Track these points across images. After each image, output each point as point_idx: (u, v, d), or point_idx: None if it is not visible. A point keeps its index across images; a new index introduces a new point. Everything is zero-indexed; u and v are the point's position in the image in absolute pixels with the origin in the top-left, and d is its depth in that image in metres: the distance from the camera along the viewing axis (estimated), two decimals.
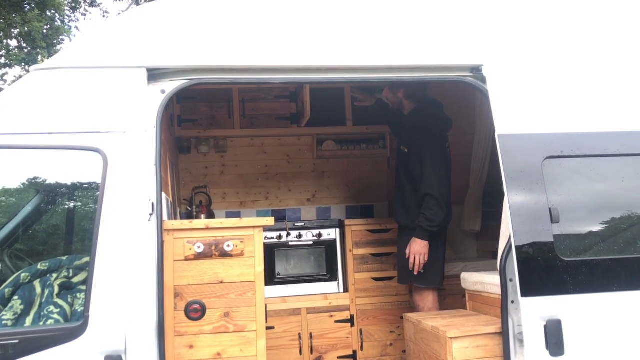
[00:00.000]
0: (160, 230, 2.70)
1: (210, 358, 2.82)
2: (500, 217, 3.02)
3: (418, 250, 3.95)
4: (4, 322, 2.71)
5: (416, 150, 4.06)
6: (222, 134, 5.39)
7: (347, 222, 4.94)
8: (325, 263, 4.93)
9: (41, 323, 2.70)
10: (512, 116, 3.00)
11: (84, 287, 2.77)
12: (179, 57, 2.90)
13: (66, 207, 3.47)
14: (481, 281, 3.50)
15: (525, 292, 2.80)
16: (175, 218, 4.21)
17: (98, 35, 2.96)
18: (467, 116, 5.07)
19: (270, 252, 4.80)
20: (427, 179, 3.94)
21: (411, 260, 3.98)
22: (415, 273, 3.99)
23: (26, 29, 15.42)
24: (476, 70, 3.11)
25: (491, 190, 4.97)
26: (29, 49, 16.49)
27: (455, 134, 4.31)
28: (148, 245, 2.66)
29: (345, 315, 4.79)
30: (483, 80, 3.08)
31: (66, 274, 2.91)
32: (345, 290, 4.86)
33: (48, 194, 3.40)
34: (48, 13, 16.68)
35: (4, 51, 16.76)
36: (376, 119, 5.33)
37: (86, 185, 3.05)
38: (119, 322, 2.58)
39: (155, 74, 2.88)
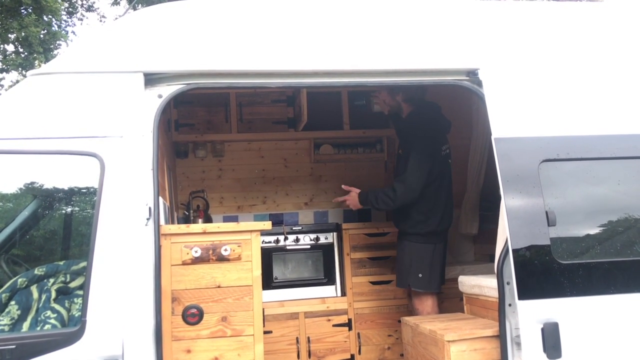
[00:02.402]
0: (158, 234, 2.70)
1: None
2: (497, 221, 3.03)
3: (351, 202, 4.26)
4: (0, 328, 2.70)
5: (407, 152, 4.08)
6: (219, 138, 5.39)
7: (344, 225, 4.94)
8: (323, 267, 4.93)
9: (38, 328, 2.69)
10: (509, 119, 3.01)
11: (81, 292, 2.76)
12: (175, 61, 2.91)
13: (63, 212, 3.47)
14: (478, 284, 3.50)
15: (523, 295, 2.80)
16: (173, 222, 4.21)
17: (95, 40, 2.97)
18: (463, 120, 5.08)
19: (268, 256, 4.80)
20: (406, 174, 3.98)
21: (341, 199, 4.33)
22: (421, 277, 4.03)
23: (23, 33, 15.42)
24: (472, 74, 3.12)
25: (488, 194, 4.98)
26: (25, 53, 16.49)
27: (451, 137, 4.33)
28: (145, 250, 2.66)
29: (343, 319, 4.78)
30: (479, 84, 3.09)
31: (63, 278, 2.91)
32: (343, 294, 4.86)
33: (45, 199, 3.39)
34: (45, 18, 16.68)
35: (0, 56, 16.76)
36: (373, 123, 5.35)
37: (83, 190, 3.05)
38: (116, 327, 2.58)
39: (152, 79, 2.88)
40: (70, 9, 18.69)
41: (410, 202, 4.02)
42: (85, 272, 2.63)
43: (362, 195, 4.24)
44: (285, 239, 4.92)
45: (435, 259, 4.08)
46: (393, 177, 4.50)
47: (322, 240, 4.96)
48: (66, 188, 3.17)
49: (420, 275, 4.04)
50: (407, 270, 4.10)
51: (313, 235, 4.95)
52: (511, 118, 3.01)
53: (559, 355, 2.77)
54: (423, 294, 4.08)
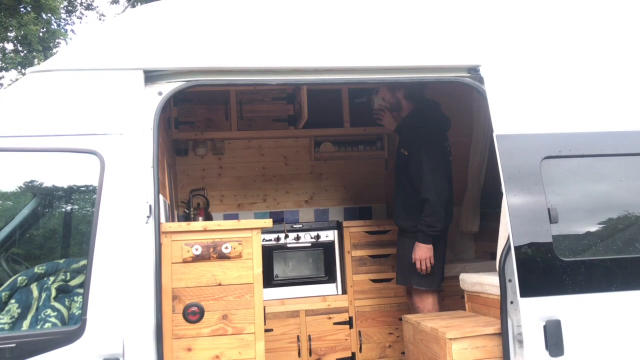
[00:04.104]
0: (158, 232, 2.69)
1: None
2: (498, 218, 3.02)
3: (423, 255, 3.97)
4: (0, 326, 2.69)
5: (415, 153, 4.05)
6: (219, 136, 5.38)
7: (345, 223, 4.93)
8: (324, 265, 4.92)
9: (38, 327, 2.68)
10: (510, 116, 3.00)
11: (81, 290, 2.75)
12: (175, 58, 2.89)
13: (63, 210, 3.45)
14: (480, 282, 3.49)
15: (524, 293, 2.79)
16: (173, 220, 4.20)
17: (94, 38, 2.95)
18: (464, 118, 5.07)
19: (269, 254, 4.80)
20: (426, 184, 3.93)
21: (417, 266, 3.99)
22: (424, 274, 4.00)
23: (22, 32, 15.41)
24: (474, 70, 3.10)
25: (489, 191, 4.97)
26: (25, 52, 16.49)
27: (452, 135, 4.31)
28: (146, 248, 2.65)
29: (344, 317, 4.78)
30: (481, 80, 3.07)
31: (63, 277, 2.90)
32: (344, 292, 4.86)
33: (45, 197, 3.38)
34: (44, 16, 16.67)
35: None
36: (374, 120, 5.33)
37: (83, 188, 3.03)
38: (116, 325, 2.57)
39: (152, 76, 2.87)
40: (69, 8, 18.68)
41: (447, 200, 3.98)
42: (86, 270, 2.62)
43: (421, 239, 3.97)
44: (286, 237, 4.91)
45: (437, 256, 4.07)
46: (394, 176, 4.49)
47: (323, 238, 4.96)
48: (66, 186, 3.16)
49: (422, 272, 4.03)
50: (408, 268, 4.09)
51: (314, 233, 4.94)
52: (513, 115, 3.00)
53: (561, 353, 2.76)
54: (424, 291, 4.07)
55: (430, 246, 3.97)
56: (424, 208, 3.94)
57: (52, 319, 2.70)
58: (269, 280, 4.74)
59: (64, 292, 2.84)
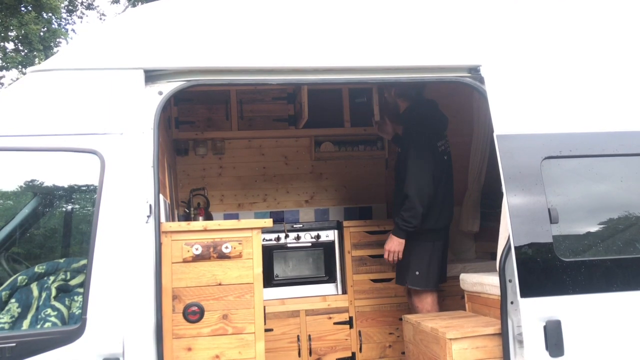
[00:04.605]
0: (158, 232, 2.69)
1: None
2: (498, 218, 3.02)
3: (393, 247, 4.02)
4: (0, 326, 2.69)
5: (404, 150, 4.07)
6: (219, 135, 5.38)
7: (345, 223, 4.93)
8: (324, 265, 4.92)
9: (38, 326, 2.69)
10: (511, 116, 2.99)
11: (81, 290, 2.75)
12: (176, 58, 2.89)
13: (63, 209, 3.46)
14: (480, 282, 3.49)
15: (525, 293, 2.79)
16: (173, 220, 4.20)
17: (95, 37, 2.95)
18: (464, 118, 5.07)
19: (269, 254, 4.79)
20: (408, 180, 3.95)
21: (385, 256, 4.04)
22: (419, 274, 4.00)
23: (23, 31, 15.42)
24: (474, 70, 3.10)
25: (489, 191, 4.97)
26: (25, 51, 16.49)
27: (452, 135, 4.32)
28: (146, 248, 2.65)
29: (344, 317, 4.78)
30: (481, 80, 3.07)
31: (63, 276, 2.90)
32: (344, 291, 4.85)
33: (45, 197, 3.38)
34: (45, 15, 16.68)
35: (0, 54, 16.75)
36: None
37: (83, 188, 3.04)
38: (116, 325, 2.57)
39: (152, 76, 2.87)
40: (70, 7, 18.69)
41: (429, 198, 3.94)
42: (86, 269, 2.62)
43: (394, 231, 4.04)
44: (286, 236, 4.91)
45: (434, 256, 4.06)
46: (394, 175, 4.49)
47: (323, 237, 4.96)
48: (66, 185, 3.16)
49: (417, 272, 4.03)
50: (405, 268, 4.10)
51: (314, 233, 4.94)
52: (513, 115, 3.00)
53: (562, 353, 2.76)
54: (422, 291, 4.07)
55: (402, 241, 3.99)
56: (404, 203, 3.95)
57: (52, 319, 2.70)
58: (269, 280, 4.74)
59: (64, 291, 2.85)
